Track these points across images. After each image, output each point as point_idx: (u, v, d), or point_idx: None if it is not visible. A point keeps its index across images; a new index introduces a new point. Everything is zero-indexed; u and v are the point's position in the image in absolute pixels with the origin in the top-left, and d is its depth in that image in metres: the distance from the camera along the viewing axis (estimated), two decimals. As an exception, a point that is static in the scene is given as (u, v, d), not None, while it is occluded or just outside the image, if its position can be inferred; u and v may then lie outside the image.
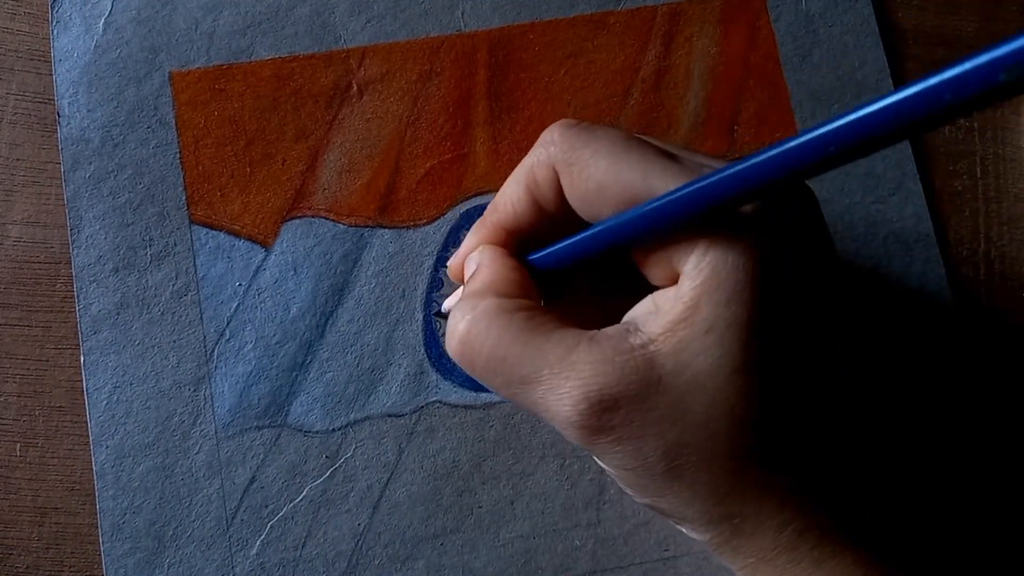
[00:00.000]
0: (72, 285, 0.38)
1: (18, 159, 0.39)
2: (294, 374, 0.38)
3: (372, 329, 0.38)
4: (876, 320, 0.30)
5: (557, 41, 0.41)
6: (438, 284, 0.38)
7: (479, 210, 0.39)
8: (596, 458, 0.30)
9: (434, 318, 0.38)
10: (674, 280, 0.27)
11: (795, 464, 0.28)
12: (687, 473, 0.27)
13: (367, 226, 0.39)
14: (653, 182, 0.27)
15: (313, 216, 0.39)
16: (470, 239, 0.33)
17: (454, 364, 0.38)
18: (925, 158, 0.41)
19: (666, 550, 0.37)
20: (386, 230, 0.39)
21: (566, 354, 0.27)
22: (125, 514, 0.36)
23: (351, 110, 0.40)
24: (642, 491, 0.29)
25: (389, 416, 0.37)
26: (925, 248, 0.40)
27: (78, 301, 0.37)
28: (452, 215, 0.39)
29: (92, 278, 0.38)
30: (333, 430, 0.37)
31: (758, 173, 0.24)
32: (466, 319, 0.29)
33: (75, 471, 0.37)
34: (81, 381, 0.37)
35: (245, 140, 0.39)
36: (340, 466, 0.37)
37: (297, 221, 0.39)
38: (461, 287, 0.35)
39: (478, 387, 0.38)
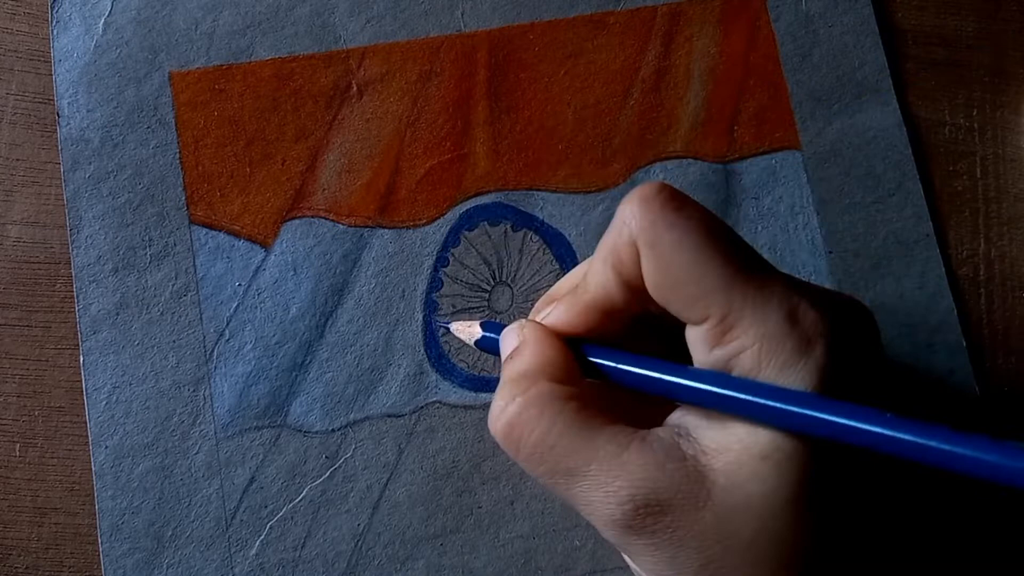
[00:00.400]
0: (72, 285, 0.38)
1: (18, 159, 0.39)
2: (294, 374, 0.37)
3: (372, 329, 0.38)
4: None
5: (557, 41, 0.41)
6: (438, 284, 0.38)
7: (479, 210, 0.39)
8: (625, 556, 0.29)
9: (434, 319, 0.38)
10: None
11: None
12: None
13: (367, 226, 0.39)
14: (735, 305, 0.26)
15: (313, 216, 0.39)
16: (561, 315, 0.31)
17: (453, 364, 0.38)
18: (925, 158, 0.41)
19: (666, 550, 0.37)
20: (386, 230, 0.39)
21: (618, 452, 0.27)
22: (124, 514, 0.36)
23: (351, 110, 0.40)
24: None
25: (389, 416, 0.37)
26: (925, 248, 0.40)
27: (78, 301, 0.37)
28: (452, 215, 0.39)
29: (92, 278, 0.38)
30: (333, 430, 0.37)
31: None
32: (516, 402, 0.28)
33: (74, 471, 0.37)
34: (81, 381, 0.37)
35: (245, 140, 0.39)
36: (340, 466, 0.37)
37: (297, 221, 0.39)
38: (466, 323, 0.35)
39: (478, 387, 0.38)
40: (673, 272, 0.27)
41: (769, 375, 0.26)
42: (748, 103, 0.41)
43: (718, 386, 0.27)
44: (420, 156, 0.39)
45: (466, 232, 0.39)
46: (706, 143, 0.40)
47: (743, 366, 0.27)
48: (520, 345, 0.31)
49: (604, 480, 0.27)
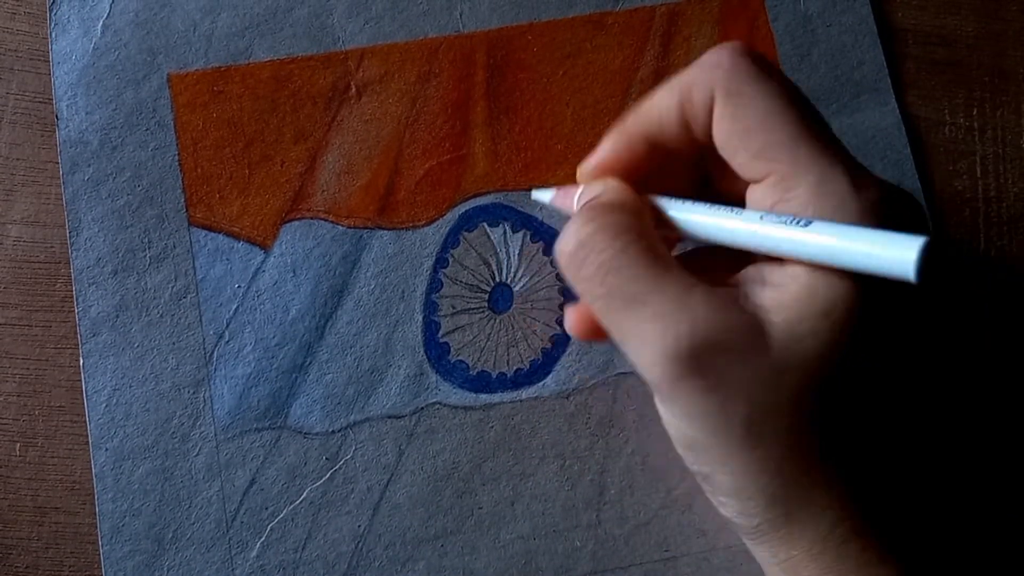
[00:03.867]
0: (72, 284, 0.38)
1: (18, 159, 0.39)
2: (294, 376, 0.38)
3: (372, 330, 0.38)
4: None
5: (556, 42, 0.41)
6: (437, 285, 0.38)
7: (478, 211, 0.39)
8: (665, 411, 0.29)
9: (438, 319, 0.38)
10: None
11: (869, 466, 0.28)
12: (765, 442, 0.27)
13: (366, 227, 0.39)
14: (801, 163, 0.27)
15: (312, 218, 0.39)
16: (607, 143, 0.31)
17: (454, 365, 0.38)
18: (925, 158, 0.41)
19: (666, 551, 0.37)
20: (385, 231, 0.39)
21: (684, 291, 0.27)
22: (125, 516, 0.36)
23: (350, 111, 0.40)
24: (705, 456, 0.28)
25: (389, 417, 0.37)
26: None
27: (77, 304, 0.37)
28: (451, 216, 0.39)
29: (91, 280, 0.38)
30: (333, 432, 0.37)
31: None
32: (592, 224, 0.28)
33: (75, 471, 0.37)
34: (81, 381, 0.37)
35: (244, 142, 0.39)
36: (340, 468, 0.37)
37: (296, 223, 0.39)
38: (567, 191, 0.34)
39: (478, 388, 0.38)
40: (747, 121, 0.28)
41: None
42: (747, 103, 0.41)
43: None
44: (419, 157, 0.39)
45: (465, 233, 0.39)
46: (705, 143, 0.40)
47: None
48: (602, 190, 0.31)
49: (666, 311, 0.27)
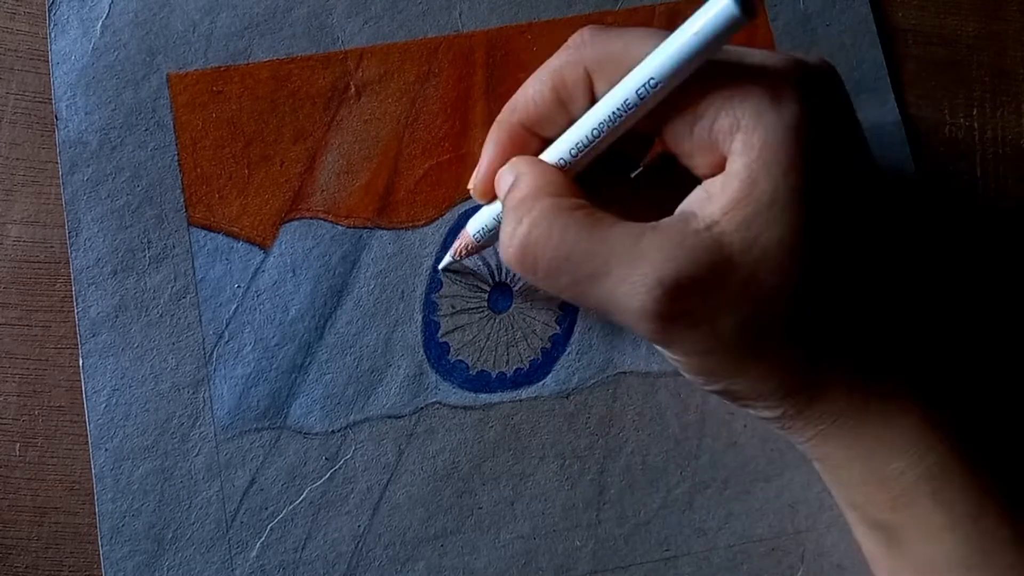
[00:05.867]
0: (71, 285, 0.38)
1: (18, 158, 0.39)
2: (293, 376, 0.38)
3: (371, 330, 0.38)
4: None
5: (555, 41, 0.40)
6: (437, 285, 0.38)
7: (477, 211, 0.39)
8: (664, 350, 0.30)
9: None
10: (721, 166, 0.28)
11: (864, 329, 0.29)
12: (763, 347, 0.28)
13: (366, 227, 0.39)
14: (708, 88, 0.28)
15: (312, 217, 0.39)
16: (489, 147, 0.32)
17: (453, 365, 0.38)
18: (925, 158, 0.41)
19: (666, 550, 0.37)
20: (385, 231, 0.39)
21: (633, 244, 0.27)
22: (124, 517, 0.36)
23: (349, 111, 0.40)
24: (715, 376, 0.29)
25: (389, 417, 0.37)
26: (925, 247, 0.40)
27: (77, 304, 0.37)
28: (451, 216, 0.39)
29: (91, 281, 0.38)
30: (333, 432, 0.37)
31: None
32: (525, 222, 0.29)
33: (74, 471, 0.37)
34: (80, 381, 0.37)
35: (243, 142, 0.39)
36: (340, 468, 0.37)
37: (296, 223, 0.39)
38: (488, 205, 0.35)
39: (478, 388, 0.38)
40: (621, 59, 0.29)
41: (747, 124, 0.27)
42: (747, 102, 0.41)
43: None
44: (418, 157, 0.39)
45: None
46: (705, 142, 0.40)
47: (722, 127, 0.28)
48: (516, 178, 0.31)
49: (626, 273, 0.27)
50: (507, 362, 0.38)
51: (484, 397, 0.38)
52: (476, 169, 0.33)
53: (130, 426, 0.37)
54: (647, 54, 0.28)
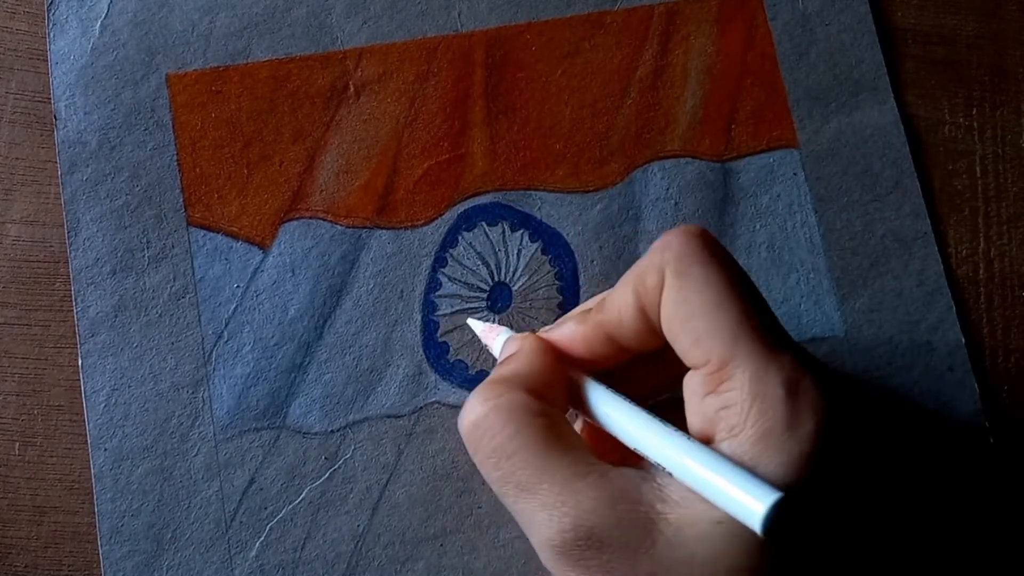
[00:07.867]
0: (71, 284, 0.38)
1: (17, 158, 0.39)
2: (292, 375, 0.38)
3: (370, 330, 0.38)
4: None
5: (554, 41, 0.41)
6: (436, 285, 0.38)
7: (477, 211, 0.39)
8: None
9: (436, 318, 0.38)
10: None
11: None
12: None
13: (365, 227, 0.39)
14: (739, 355, 0.27)
15: (311, 217, 0.39)
16: (573, 327, 0.31)
17: (453, 364, 0.38)
18: (925, 158, 0.41)
19: (665, 550, 0.37)
20: (384, 231, 0.39)
21: (572, 479, 0.27)
22: (124, 517, 0.36)
23: (348, 111, 0.40)
24: None
25: (388, 417, 0.37)
26: (923, 246, 0.40)
27: (76, 304, 0.37)
28: (450, 215, 0.39)
29: (90, 281, 0.38)
30: (332, 431, 0.37)
31: None
32: (487, 404, 0.29)
33: (74, 470, 0.37)
34: (79, 381, 0.37)
35: (242, 142, 0.39)
36: (339, 467, 0.37)
37: (295, 222, 0.39)
38: (490, 327, 0.35)
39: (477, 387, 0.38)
40: (689, 306, 0.27)
41: (750, 435, 0.26)
42: (745, 102, 0.41)
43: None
44: (418, 157, 0.39)
45: (464, 232, 0.39)
46: (703, 142, 0.40)
47: (729, 421, 0.27)
48: (515, 352, 0.31)
49: (552, 502, 0.27)
50: (506, 362, 0.38)
51: (483, 397, 0.38)
52: (551, 328, 0.32)
53: (129, 426, 0.37)
54: (710, 311, 0.27)
